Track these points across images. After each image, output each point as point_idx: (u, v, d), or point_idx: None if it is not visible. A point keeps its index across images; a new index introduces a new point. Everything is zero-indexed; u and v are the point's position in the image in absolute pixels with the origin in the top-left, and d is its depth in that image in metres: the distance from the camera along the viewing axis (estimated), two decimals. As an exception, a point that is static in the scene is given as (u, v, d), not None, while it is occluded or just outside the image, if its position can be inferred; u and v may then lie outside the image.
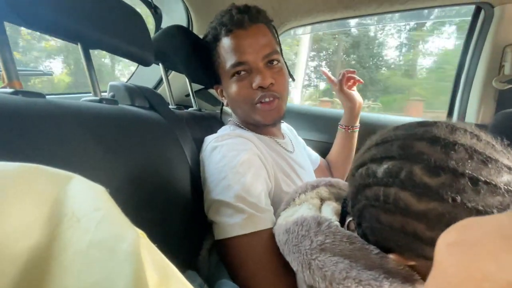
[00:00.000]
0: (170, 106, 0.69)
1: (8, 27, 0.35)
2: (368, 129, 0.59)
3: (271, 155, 0.58)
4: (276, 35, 0.65)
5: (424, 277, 0.32)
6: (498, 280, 0.15)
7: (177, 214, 0.48)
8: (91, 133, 0.36)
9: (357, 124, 0.83)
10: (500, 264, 0.15)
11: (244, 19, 0.57)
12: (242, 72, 0.58)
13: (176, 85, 0.93)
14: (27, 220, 0.13)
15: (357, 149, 0.49)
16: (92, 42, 0.44)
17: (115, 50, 0.47)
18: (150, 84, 1.05)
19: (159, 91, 1.02)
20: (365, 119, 0.94)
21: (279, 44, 0.65)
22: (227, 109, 0.83)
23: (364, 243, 0.35)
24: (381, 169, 0.31)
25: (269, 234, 0.44)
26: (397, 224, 0.29)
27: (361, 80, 0.79)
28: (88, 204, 0.14)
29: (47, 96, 0.36)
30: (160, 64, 0.72)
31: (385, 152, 0.32)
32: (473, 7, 0.87)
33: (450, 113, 0.97)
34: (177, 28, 0.68)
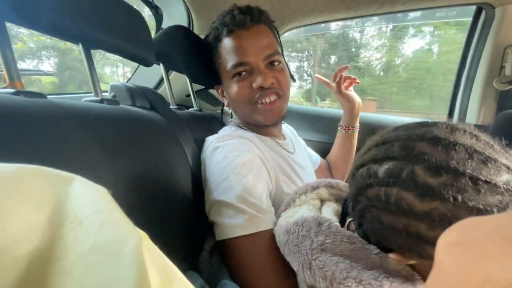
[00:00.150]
0: (171, 106, 0.68)
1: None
2: (368, 129, 0.59)
3: (272, 156, 0.58)
4: (277, 36, 0.65)
5: (424, 277, 0.32)
6: (498, 280, 0.15)
7: (178, 215, 0.48)
8: (92, 133, 0.36)
9: (357, 124, 0.83)
10: (500, 264, 0.15)
11: (246, 20, 0.57)
12: (243, 73, 0.58)
13: (177, 85, 0.93)
14: (28, 222, 0.13)
15: (357, 149, 0.49)
16: (93, 42, 0.44)
17: (116, 50, 0.47)
18: (150, 84, 1.05)
19: (159, 91, 1.02)
20: (365, 119, 0.94)
21: (280, 45, 0.65)
22: (227, 109, 0.83)
23: (364, 243, 0.35)
24: (382, 170, 0.31)
25: (270, 235, 0.44)
26: (399, 224, 0.29)
27: (357, 80, 0.79)
28: (90, 206, 0.14)
29: (48, 97, 0.36)
30: (161, 64, 0.72)
31: (386, 152, 0.31)
32: (474, 7, 0.87)
33: (450, 113, 0.97)
34: (178, 28, 0.68)
